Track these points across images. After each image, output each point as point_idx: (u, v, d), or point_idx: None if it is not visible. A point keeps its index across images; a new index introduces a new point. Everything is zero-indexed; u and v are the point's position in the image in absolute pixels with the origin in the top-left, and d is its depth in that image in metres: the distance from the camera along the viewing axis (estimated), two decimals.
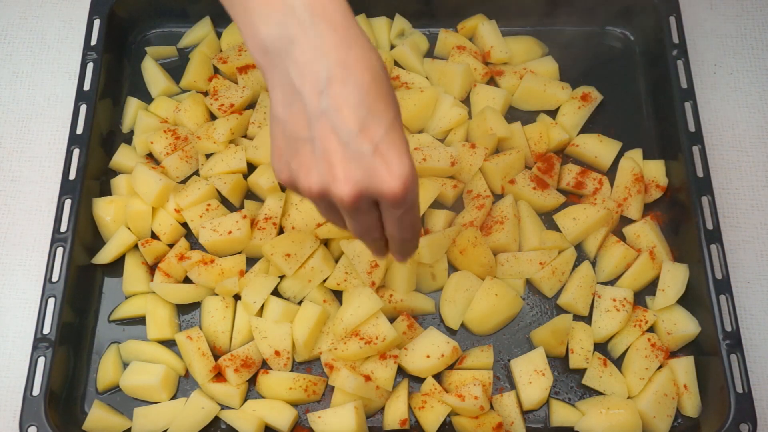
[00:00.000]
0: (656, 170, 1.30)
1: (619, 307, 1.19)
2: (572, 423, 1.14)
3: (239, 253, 1.25)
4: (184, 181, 1.30)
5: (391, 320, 1.18)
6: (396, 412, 1.13)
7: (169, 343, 1.20)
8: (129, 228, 1.25)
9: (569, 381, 1.18)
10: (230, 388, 1.15)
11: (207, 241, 1.22)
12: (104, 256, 1.24)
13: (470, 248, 1.21)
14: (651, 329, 1.20)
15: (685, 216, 1.24)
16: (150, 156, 1.33)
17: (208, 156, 1.31)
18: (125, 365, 1.18)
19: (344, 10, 0.81)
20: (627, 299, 1.20)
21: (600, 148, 1.32)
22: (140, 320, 1.21)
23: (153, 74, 1.39)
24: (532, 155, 1.32)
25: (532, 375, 1.15)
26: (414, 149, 1.28)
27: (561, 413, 1.15)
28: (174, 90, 1.39)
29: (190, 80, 1.38)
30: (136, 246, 1.25)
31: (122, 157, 1.32)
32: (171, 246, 1.25)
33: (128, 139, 1.35)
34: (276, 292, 1.21)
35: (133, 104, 1.36)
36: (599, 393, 1.16)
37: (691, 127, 1.27)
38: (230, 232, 1.21)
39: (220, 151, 1.30)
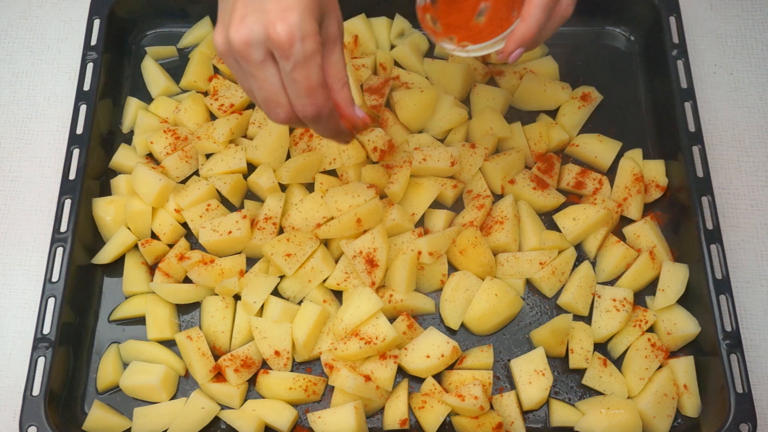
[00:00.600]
0: (656, 170, 1.30)
1: (619, 307, 1.19)
2: (572, 423, 1.14)
3: (239, 253, 1.25)
4: (184, 181, 1.30)
5: (391, 320, 1.18)
6: (396, 412, 1.13)
7: (169, 343, 1.20)
8: (129, 228, 1.25)
9: (569, 381, 1.18)
10: (230, 388, 1.15)
11: (207, 241, 1.22)
12: (104, 256, 1.24)
13: (470, 248, 1.21)
14: (651, 329, 1.20)
15: (685, 216, 1.24)
16: (150, 156, 1.33)
17: (208, 156, 1.31)
18: (125, 365, 1.18)
19: None
20: (627, 299, 1.20)
21: (600, 148, 1.32)
22: (140, 320, 1.21)
23: (153, 74, 1.39)
24: (532, 155, 1.32)
25: (532, 375, 1.15)
26: (414, 149, 1.28)
27: (561, 413, 1.15)
28: (174, 90, 1.39)
29: (190, 80, 1.38)
30: (136, 246, 1.25)
31: (122, 157, 1.32)
32: (171, 246, 1.25)
33: (128, 139, 1.35)
34: (276, 292, 1.21)
35: (133, 104, 1.36)
36: (599, 393, 1.16)
37: (691, 127, 1.27)
38: (230, 232, 1.21)
39: (220, 151, 1.30)
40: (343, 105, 0.95)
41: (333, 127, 0.96)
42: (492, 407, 1.14)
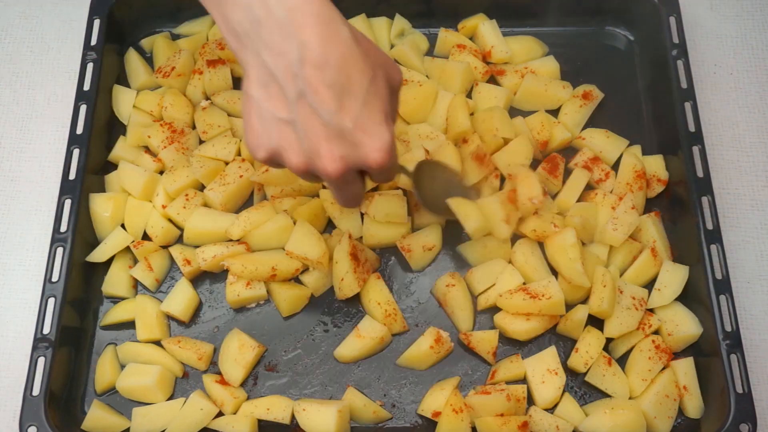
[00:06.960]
0: (656, 165, 1.30)
1: (638, 306, 1.18)
2: (576, 423, 1.13)
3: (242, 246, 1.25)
4: None
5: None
6: (434, 402, 1.12)
7: None
8: (125, 225, 1.25)
9: (570, 381, 1.18)
10: (230, 388, 1.15)
11: (219, 198, 1.23)
12: (99, 255, 1.23)
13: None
14: (656, 331, 1.19)
15: (685, 216, 1.23)
16: (148, 149, 1.32)
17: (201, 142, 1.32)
18: (123, 366, 1.18)
19: None
20: (644, 299, 1.19)
21: (606, 143, 1.31)
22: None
23: (134, 67, 1.38)
24: (537, 145, 1.30)
25: (545, 374, 1.15)
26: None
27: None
28: (154, 82, 1.38)
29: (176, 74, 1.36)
30: (126, 248, 1.25)
31: (121, 150, 1.31)
32: (164, 247, 1.25)
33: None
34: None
35: (126, 95, 1.36)
36: (602, 391, 1.16)
37: (691, 127, 1.27)
38: (241, 176, 1.24)
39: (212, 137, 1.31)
40: None
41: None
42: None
